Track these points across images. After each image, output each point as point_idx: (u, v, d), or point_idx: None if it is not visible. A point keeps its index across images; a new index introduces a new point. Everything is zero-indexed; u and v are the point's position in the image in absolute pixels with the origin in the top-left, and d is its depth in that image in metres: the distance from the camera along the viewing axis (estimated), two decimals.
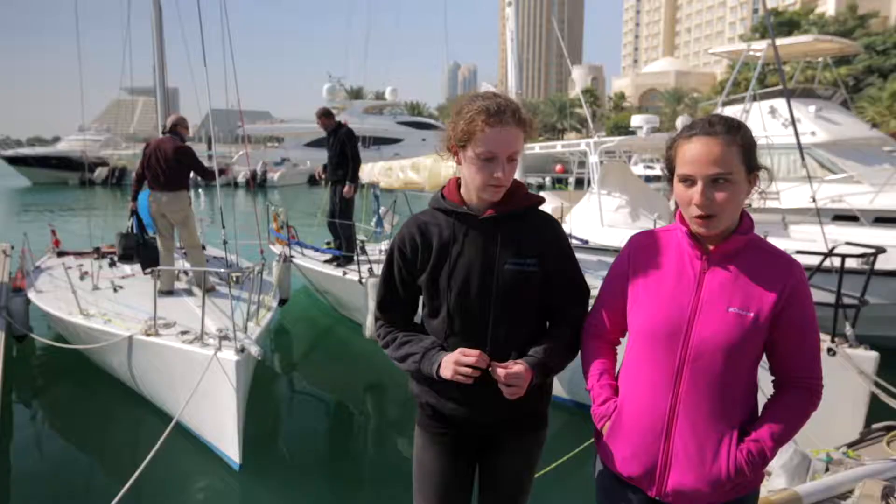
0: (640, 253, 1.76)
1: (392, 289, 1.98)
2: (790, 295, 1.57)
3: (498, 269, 1.85)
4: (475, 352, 1.75)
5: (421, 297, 2.00)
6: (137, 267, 7.09)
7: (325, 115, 7.89)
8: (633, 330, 1.73)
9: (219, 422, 4.44)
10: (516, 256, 1.86)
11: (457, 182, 1.96)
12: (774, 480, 3.32)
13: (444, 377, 1.78)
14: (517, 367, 1.76)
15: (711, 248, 1.63)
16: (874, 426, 4.04)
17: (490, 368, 1.76)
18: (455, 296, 1.86)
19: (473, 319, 1.86)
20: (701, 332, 1.59)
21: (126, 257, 6.90)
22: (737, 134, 1.55)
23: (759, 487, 1.74)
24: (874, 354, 4.28)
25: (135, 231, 6.88)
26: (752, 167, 1.58)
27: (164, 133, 6.82)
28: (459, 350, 1.78)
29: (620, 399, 1.74)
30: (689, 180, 1.57)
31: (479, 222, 1.88)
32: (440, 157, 1.98)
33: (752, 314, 1.57)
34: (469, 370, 1.74)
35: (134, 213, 6.90)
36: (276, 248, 8.64)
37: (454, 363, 1.75)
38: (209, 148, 6.69)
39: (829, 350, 4.28)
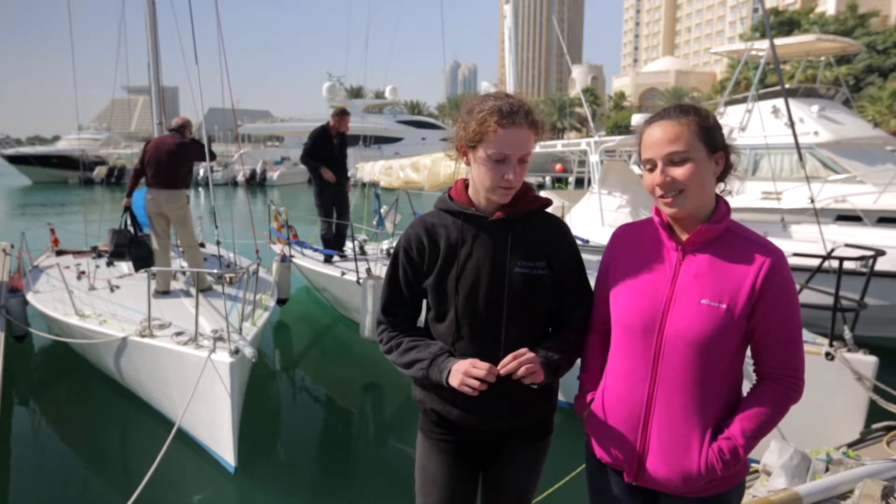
0: (620, 245, 1.79)
1: (397, 291, 1.94)
2: (765, 284, 1.54)
3: (508, 273, 1.81)
4: (485, 365, 1.70)
5: (425, 301, 1.96)
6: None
7: (347, 116, 7.99)
8: (613, 322, 1.74)
9: (213, 424, 4.38)
10: (526, 259, 1.83)
11: (464, 183, 1.92)
12: (774, 480, 3.32)
13: (452, 385, 1.74)
14: (527, 353, 1.71)
15: (685, 237, 1.64)
16: (874, 426, 4.03)
17: (503, 371, 1.70)
18: (463, 299, 1.83)
19: (481, 323, 1.83)
20: (673, 325, 1.59)
21: (117, 255, 6.75)
22: (690, 114, 1.59)
23: (745, 480, 1.72)
24: (873, 359, 4.15)
25: (128, 228, 6.78)
26: (714, 147, 1.60)
27: (167, 132, 6.75)
28: (469, 361, 1.72)
29: (604, 389, 1.76)
30: (650, 164, 1.62)
31: (488, 224, 1.84)
32: (447, 157, 1.95)
33: (724, 305, 1.55)
34: (476, 382, 1.69)
35: (127, 209, 6.80)
36: (277, 248, 8.59)
37: (463, 374, 1.70)
38: (208, 146, 6.61)
39: (827, 354, 4.17)
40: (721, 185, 1.67)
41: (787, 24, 52.15)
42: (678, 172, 1.56)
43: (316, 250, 8.43)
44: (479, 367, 1.69)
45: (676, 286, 1.62)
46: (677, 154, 1.56)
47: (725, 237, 1.62)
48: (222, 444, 4.33)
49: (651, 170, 1.62)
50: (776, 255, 1.57)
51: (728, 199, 1.70)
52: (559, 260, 1.87)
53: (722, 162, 1.63)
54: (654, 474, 1.64)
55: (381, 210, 9.05)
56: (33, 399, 5.97)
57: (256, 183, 36.77)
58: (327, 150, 7.81)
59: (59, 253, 8.49)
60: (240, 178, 35.19)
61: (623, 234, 1.81)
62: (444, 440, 1.96)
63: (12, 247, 8.46)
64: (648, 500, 1.73)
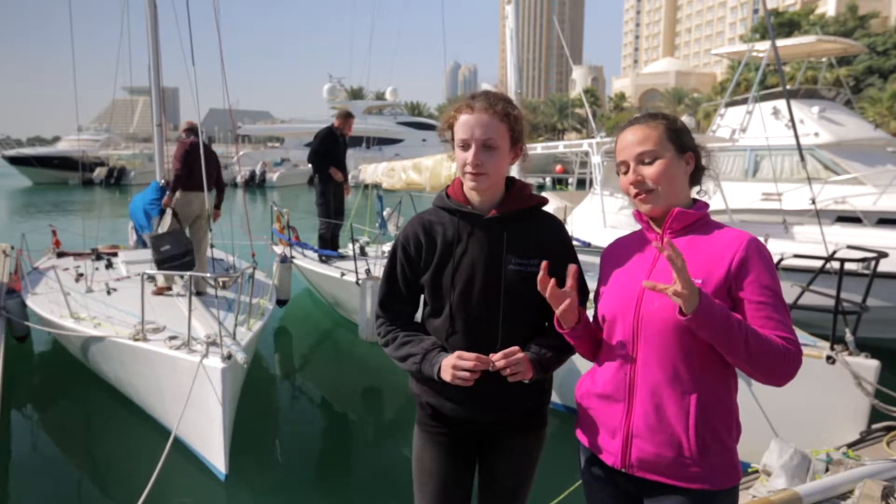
0: (609, 251, 1.89)
1: (394, 287, 1.98)
2: (742, 263, 1.59)
3: (503, 270, 1.85)
4: (472, 356, 1.75)
5: (422, 297, 2.00)
6: (133, 268, 7.00)
7: (351, 118, 8.21)
8: (600, 314, 1.80)
9: (204, 430, 4.30)
10: (520, 257, 1.87)
11: (461, 181, 1.96)
12: (774, 480, 3.32)
13: (445, 380, 1.78)
14: (517, 354, 1.77)
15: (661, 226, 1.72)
16: (874, 426, 4.02)
17: (491, 367, 1.75)
18: (458, 295, 1.86)
19: (475, 319, 1.86)
20: (648, 304, 1.65)
21: (187, 254, 6.07)
22: (659, 119, 1.72)
23: (738, 486, 1.72)
24: (875, 363, 4.08)
25: (175, 230, 6.41)
26: (683, 147, 1.70)
27: (186, 136, 6.75)
28: (456, 354, 1.77)
29: (594, 378, 1.79)
30: (625, 166, 1.72)
31: (483, 222, 1.88)
32: (448, 158, 1.99)
33: (699, 281, 1.57)
34: (467, 374, 1.74)
35: (167, 209, 6.47)
36: (279, 249, 8.57)
37: (451, 367, 1.75)
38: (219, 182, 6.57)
39: (829, 358, 4.11)
40: (696, 188, 1.77)
41: (787, 25, 52.16)
42: (649, 171, 1.67)
43: (316, 251, 8.43)
44: (466, 359, 1.75)
45: (655, 269, 1.69)
46: (647, 153, 1.67)
47: (703, 227, 1.70)
48: (213, 450, 4.25)
49: (626, 172, 1.72)
50: (752, 239, 1.64)
51: (706, 199, 1.78)
52: (554, 257, 1.87)
53: (692, 161, 1.72)
54: (642, 454, 1.65)
55: (385, 212, 9.03)
56: (33, 398, 5.96)
57: (256, 184, 36.72)
58: (334, 150, 7.93)
59: (61, 255, 8.48)
60: (238, 179, 35.17)
61: (611, 247, 1.90)
62: (440, 433, 1.99)
63: (12, 248, 8.46)
64: (634, 496, 1.73)
